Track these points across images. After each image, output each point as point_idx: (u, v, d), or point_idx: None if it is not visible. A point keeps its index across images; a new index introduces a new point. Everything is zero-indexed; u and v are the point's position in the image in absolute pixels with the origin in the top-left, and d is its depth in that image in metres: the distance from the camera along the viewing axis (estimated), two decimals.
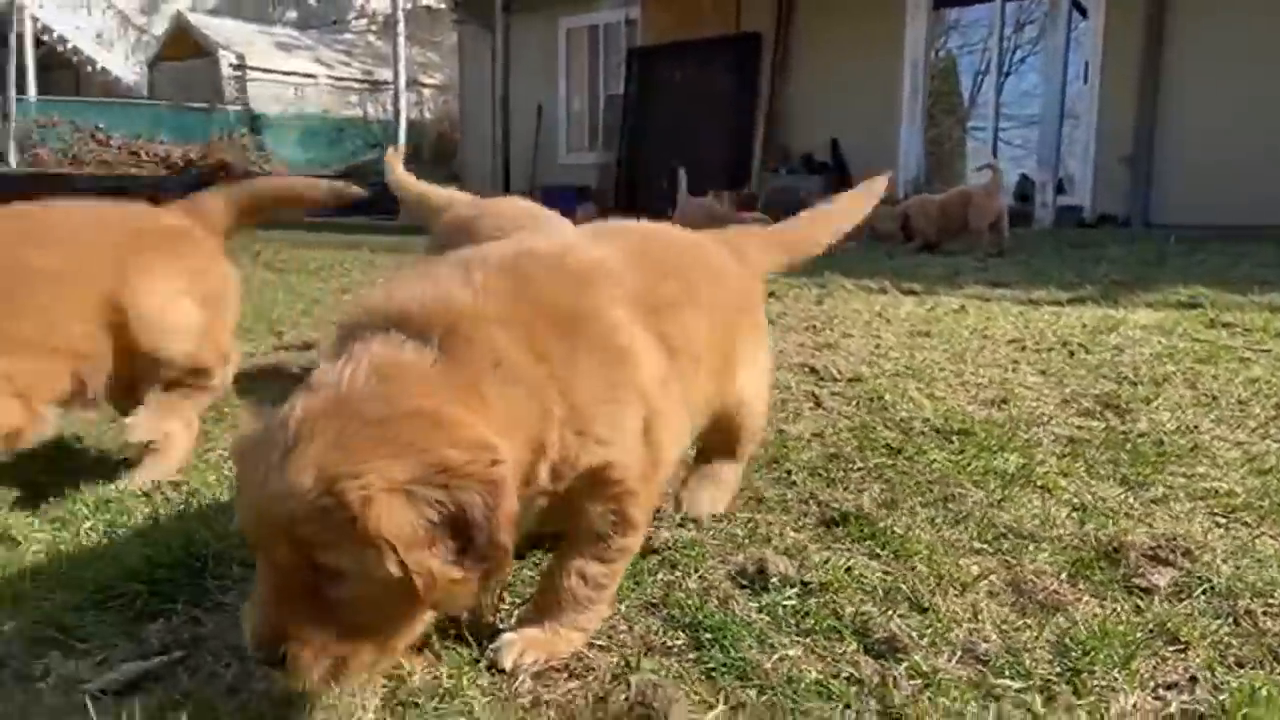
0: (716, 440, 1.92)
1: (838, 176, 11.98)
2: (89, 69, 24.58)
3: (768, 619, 1.55)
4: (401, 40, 22.03)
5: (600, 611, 1.48)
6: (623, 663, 1.42)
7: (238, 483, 1.21)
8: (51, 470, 2.27)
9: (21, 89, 20.09)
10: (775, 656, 1.43)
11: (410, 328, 1.24)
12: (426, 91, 24.06)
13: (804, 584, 1.67)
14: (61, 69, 24.41)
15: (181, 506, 2.03)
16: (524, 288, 1.36)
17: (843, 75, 11.92)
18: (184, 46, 23.90)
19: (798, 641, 1.48)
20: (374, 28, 26.86)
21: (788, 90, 12.61)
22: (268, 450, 1.14)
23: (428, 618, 1.26)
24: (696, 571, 1.71)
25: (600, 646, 1.47)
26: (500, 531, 1.13)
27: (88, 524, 1.91)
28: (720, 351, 1.67)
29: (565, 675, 1.40)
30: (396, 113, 22.26)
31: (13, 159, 18.83)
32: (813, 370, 3.20)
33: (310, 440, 1.12)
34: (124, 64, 24.85)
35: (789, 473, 2.25)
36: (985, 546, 1.85)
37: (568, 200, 10.88)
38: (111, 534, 1.87)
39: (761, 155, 12.57)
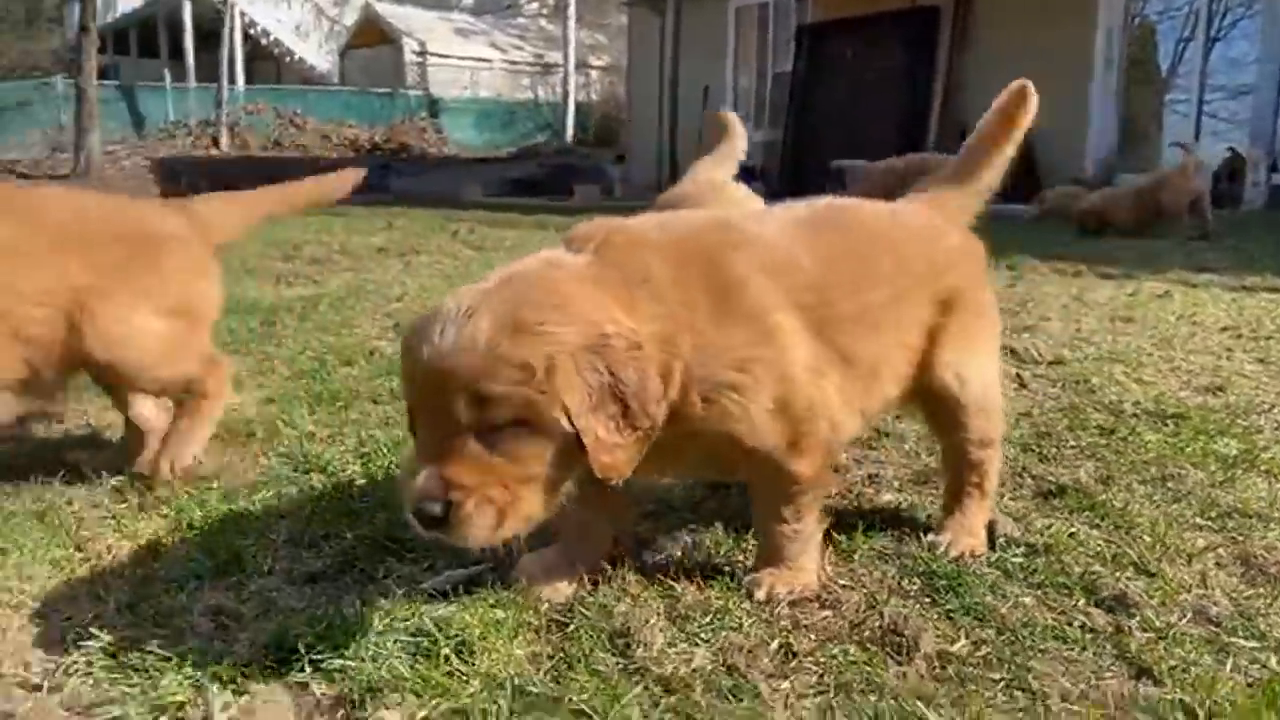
0: (947, 442, 1.85)
1: (1021, 155, 11.45)
2: (288, 59, 26.74)
3: (998, 572, 1.70)
4: (572, 24, 22.74)
5: (811, 533, 1.62)
6: (869, 598, 1.61)
7: (404, 354, 1.33)
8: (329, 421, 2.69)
9: (231, 79, 22.11)
10: (1008, 604, 1.58)
11: (575, 243, 1.47)
12: (593, 74, 24.69)
13: (1029, 545, 1.80)
14: (264, 59, 26.71)
15: None
16: (692, 242, 1.49)
17: (1028, 47, 11.32)
18: (371, 35, 25.62)
19: (1029, 593, 1.63)
20: (544, 11, 27.75)
21: (966, 65, 12.16)
22: (440, 321, 1.28)
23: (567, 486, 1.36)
24: (925, 530, 1.86)
25: (844, 585, 1.67)
26: (650, 403, 1.29)
27: (389, 459, 2.28)
28: (916, 347, 1.70)
29: (818, 605, 1.60)
30: (565, 94, 23.04)
31: (224, 143, 20.84)
32: (1013, 352, 3.24)
33: (483, 308, 1.27)
34: (318, 53, 26.87)
35: None
36: (1209, 524, 1.91)
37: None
38: None
39: (937, 132, 12.20)
